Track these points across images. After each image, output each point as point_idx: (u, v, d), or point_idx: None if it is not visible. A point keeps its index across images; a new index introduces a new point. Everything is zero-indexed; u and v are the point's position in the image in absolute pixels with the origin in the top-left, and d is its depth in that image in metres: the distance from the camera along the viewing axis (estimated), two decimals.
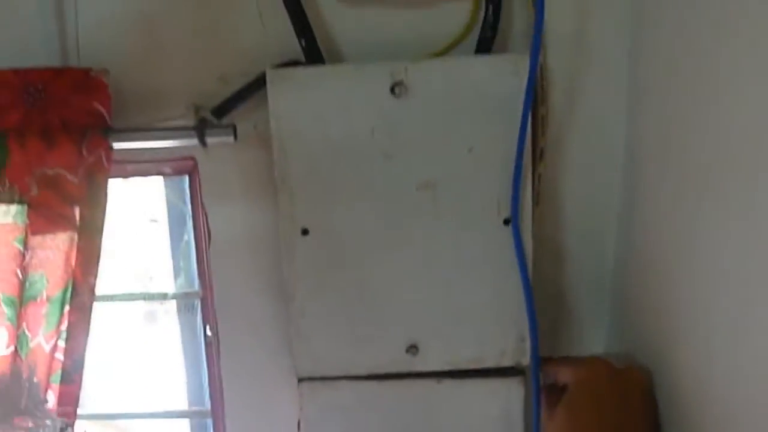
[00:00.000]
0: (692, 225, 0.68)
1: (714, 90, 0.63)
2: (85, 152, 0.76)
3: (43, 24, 0.77)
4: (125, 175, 0.87)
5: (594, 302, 0.86)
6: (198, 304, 0.93)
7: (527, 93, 0.74)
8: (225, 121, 0.78)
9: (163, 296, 0.96)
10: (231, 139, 0.76)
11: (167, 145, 0.77)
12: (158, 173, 0.87)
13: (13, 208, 0.79)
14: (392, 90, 0.75)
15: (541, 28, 0.73)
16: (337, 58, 0.78)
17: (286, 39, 0.77)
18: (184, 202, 0.90)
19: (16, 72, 0.76)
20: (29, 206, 0.78)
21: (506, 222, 0.78)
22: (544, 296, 0.82)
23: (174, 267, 0.93)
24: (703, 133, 0.65)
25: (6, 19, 0.78)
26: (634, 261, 0.80)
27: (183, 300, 0.95)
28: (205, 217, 0.84)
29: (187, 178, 0.87)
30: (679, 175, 0.70)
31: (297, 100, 0.75)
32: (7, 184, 0.78)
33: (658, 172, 0.75)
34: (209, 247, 0.85)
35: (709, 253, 0.65)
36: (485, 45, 0.76)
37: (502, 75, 0.75)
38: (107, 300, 0.98)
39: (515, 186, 0.76)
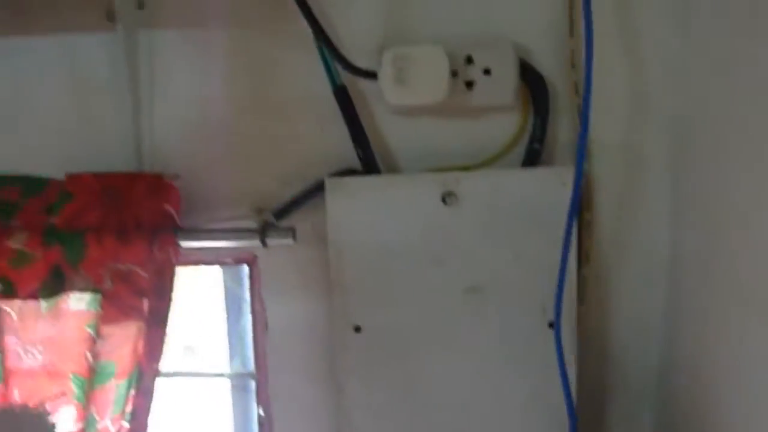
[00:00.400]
0: (737, 337, 0.72)
1: (757, 203, 0.68)
2: (155, 250, 0.85)
3: (121, 130, 0.88)
4: (187, 264, 0.95)
5: (638, 400, 0.90)
6: (252, 384, 1.00)
7: (572, 204, 0.80)
8: (285, 222, 0.86)
9: (218, 375, 1.04)
10: (290, 241, 0.84)
11: (231, 246, 0.86)
12: (219, 263, 0.95)
13: (87, 296, 0.89)
14: (443, 199, 0.82)
15: (586, 142, 0.79)
16: (391, 165, 0.86)
17: (343, 146, 0.85)
18: (241, 287, 0.98)
19: (96, 176, 0.86)
20: (103, 296, 0.87)
21: (551, 325, 0.83)
22: (588, 393, 0.88)
23: (229, 348, 1.01)
24: (746, 245, 0.70)
25: (88, 125, 0.89)
26: (678, 366, 0.85)
27: (237, 380, 1.02)
28: (262, 306, 0.92)
29: (245, 265, 0.95)
30: (724, 285, 0.75)
31: (353, 207, 0.83)
32: (83, 275, 0.87)
33: (703, 281, 0.80)
34: (266, 335, 0.92)
35: (754, 368, 0.69)
36: (533, 157, 0.84)
37: (550, 186, 0.82)
38: (163, 377, 1.06)
39: (559, 291, 0.82)
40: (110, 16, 0.86)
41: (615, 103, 0.83)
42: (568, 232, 0.80)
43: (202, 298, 1.03)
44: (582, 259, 0.85)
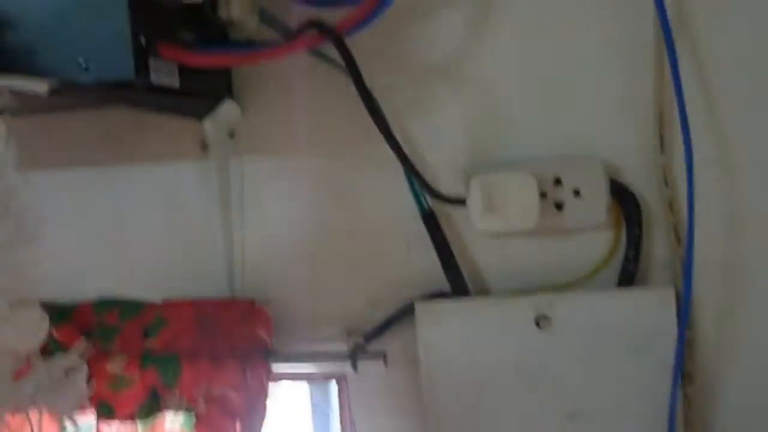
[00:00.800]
0: None
1: None
2: (248, 374, 0.88)
3: (214, 254, 0.92)
4: (276, 380, 0.97)
5: None
6: None
7: (680, 327, 0.79)
8: (375, 343, 0.87)
9: None
10: (381, 365, 0.85)
11: (321, 369, 0.87)
12: (308, 380, 0.97)
13: (181, 416, 0.91)
14: (537, 323, 0.82)
15: (692, 262, 0.78)
16: (481, 286, 0.87)
17: (431, 267, 0.87)
18: (330, 403, 0.99)
19: (191, 303, 0.90)
20: (196, 418, 0.90)
21: None
22: None
23: None
24: None
25: (182, 250, 0.93)
26: None
27: None
28: (352, 424, 0.92)
29: (334, 382, 0.96)
30: None
31: (444, 330, 0.84)
32: (178, 397, 0.90)
33: None
34: None
35: None
36: (628, 276, 0.83)
37: (648, 307, 0.81)
38: None
39: (671, 415, 0.80)
40: (203, 146, 0.91)
41: (713, 219, 0.82)
42: (679, 356, 0.79)
43: (289, 413, 1.05)
44: (685, 380, 0.83)
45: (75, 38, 0.69)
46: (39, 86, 0.63)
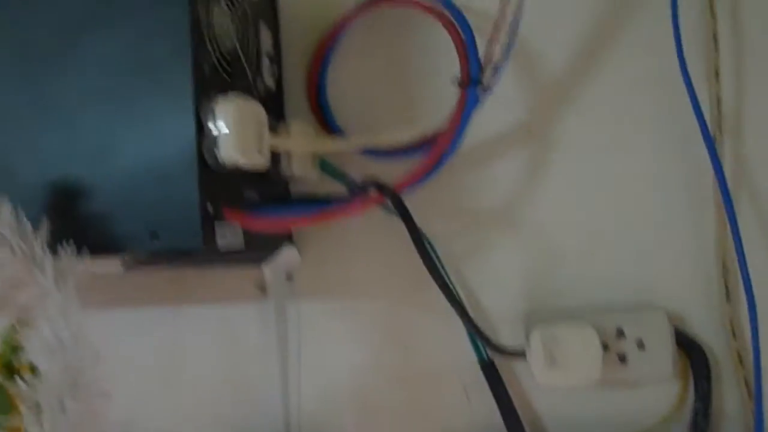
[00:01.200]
0: None
1: None
2: None
3: (269, 396, 0.90)
4: None
5: None
6: None
7: None
8: None
9: None
10: None
11: None
12: None
13: None
14: None
15: (762, 418, 0.75)
16: None
17: (491, 416, 0.84)
18: None
19: None
20: None
21: None
22: None
23: None
24: None
25: (237, 391, 0.93)
26: None
27: None
28: None
29: None
30: None
31: None
32: None
33: None
34: None
35: None
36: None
37: None
38: None
39: None
40: (262, 288, 0.92)
41: None
42: None
43: None
44: None
45: (145, 208, 0.70)
46: (114, 267, 0.64)
